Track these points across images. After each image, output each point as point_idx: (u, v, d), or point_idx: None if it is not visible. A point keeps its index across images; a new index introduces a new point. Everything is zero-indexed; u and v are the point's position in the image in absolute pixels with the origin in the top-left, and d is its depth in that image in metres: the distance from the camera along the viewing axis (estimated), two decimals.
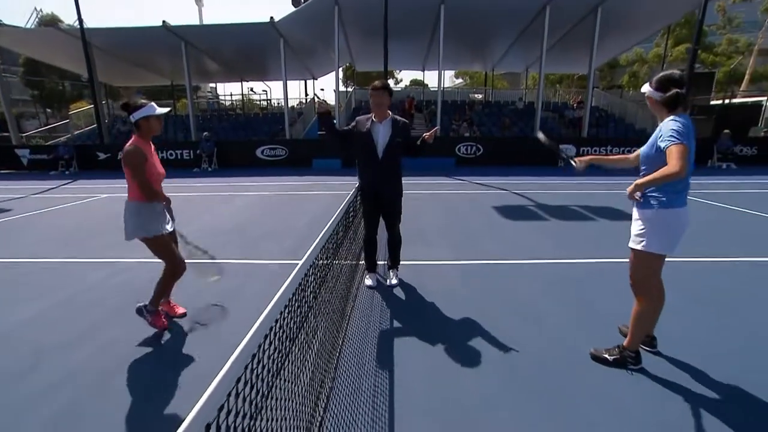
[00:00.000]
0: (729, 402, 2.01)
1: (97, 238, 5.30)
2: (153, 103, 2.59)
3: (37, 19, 32.50)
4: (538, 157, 14.34)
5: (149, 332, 2.75)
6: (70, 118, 20.67)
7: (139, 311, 2.76)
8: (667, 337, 2.49)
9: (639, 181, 2.09)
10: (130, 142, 2.57)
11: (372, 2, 13.20)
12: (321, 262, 1.93)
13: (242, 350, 0.92)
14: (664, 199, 2.06)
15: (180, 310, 3.06)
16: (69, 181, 12.01)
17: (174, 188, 10.01)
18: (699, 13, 13.75)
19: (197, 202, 8.11)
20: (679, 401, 2.02)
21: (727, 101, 20.72)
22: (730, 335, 2.64)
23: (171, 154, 14.90)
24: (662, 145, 1.97)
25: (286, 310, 1.24)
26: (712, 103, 21.45)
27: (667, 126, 1.99)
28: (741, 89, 26.51)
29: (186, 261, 2.84)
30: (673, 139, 1.93)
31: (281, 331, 1.21)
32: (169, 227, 2.75)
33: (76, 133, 19.68)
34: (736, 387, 2.11)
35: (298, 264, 1.48)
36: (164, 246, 2.69)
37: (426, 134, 3.09)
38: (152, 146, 2.73)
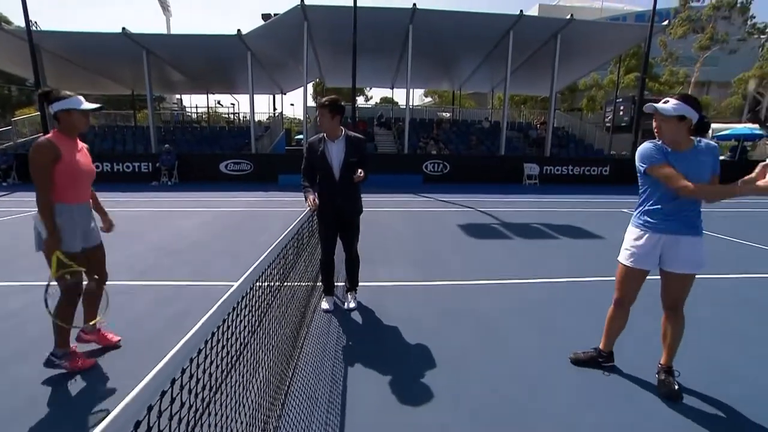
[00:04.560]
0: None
1: (27, 257, 4.74)
2: (79, 96, 2.29)
3: None
4: (503, 175, 14.77)
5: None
6: (13, 124, 19.14)
7: (48, 362, 2.33)
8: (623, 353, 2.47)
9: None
10: (48, 135, 2.24)
11: (341, 19, 13.30)
12: (263, 289, 1.74)
13: (134, 398, 0.72)
14: (639, 219, 2.21)
15: (114, 338, 2.71)
16: (5, 193, 11.01)
17: (129, 203, 9.38)
18: (645, 46, 14.93)
19: (152, 217, 7.60)
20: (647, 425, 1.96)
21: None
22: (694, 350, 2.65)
23: (128, 167, 14.09)
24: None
25: (202, 355, 1.05)
26: None
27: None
28: None
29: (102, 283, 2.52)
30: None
31: (192, 380, 1.01)
32: (81, 243, 2.35)
33: (18, 141, 18.23)
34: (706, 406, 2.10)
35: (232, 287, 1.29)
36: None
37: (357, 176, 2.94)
38: (79, 143, 2.40)
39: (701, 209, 2.13)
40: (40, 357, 2.47)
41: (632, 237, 2.24)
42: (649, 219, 2.16)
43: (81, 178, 2.34)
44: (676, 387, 2.20)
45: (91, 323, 2.58)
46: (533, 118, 24.93)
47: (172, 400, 0.89)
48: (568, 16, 14.64)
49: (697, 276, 2.15)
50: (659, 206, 2.12)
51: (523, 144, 19.64)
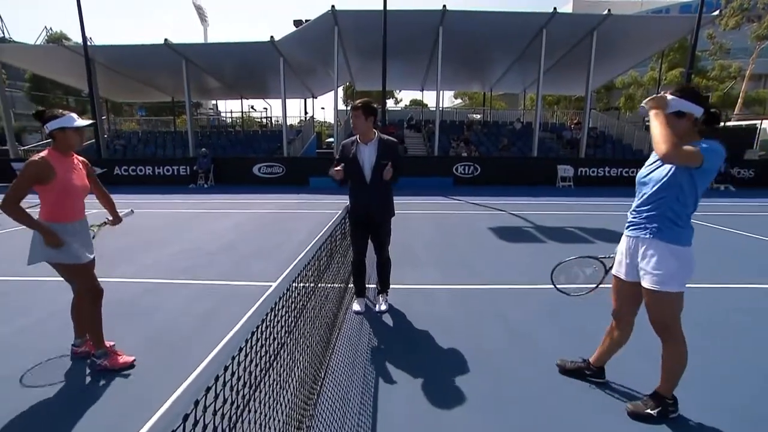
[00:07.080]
0: None
1: None
2: (73, 114, 2.31)
3: (46, 37, 33.21)
4: (536, 178, 14.35)
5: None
6: None
7: (93, 364, 2.45)
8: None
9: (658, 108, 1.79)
10: (43, 152, 2.27)
11: (371, 24, 13.43)
12: (299, 290, 1.78)
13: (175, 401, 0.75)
14: (688, 236, 1.89)
15: (128, 359, 2.65)
16: None
17: (168, 204, 9.89)
18: (691, 39, 14.04)
19: (189, 218, 7.97)
20: None
21: (722, 124, 20.95)
22: (738, 366, 2.46)
23: (167, 170, 14.83)
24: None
25: (242, 353, 1.08)
26: None
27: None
28: (735, 113, 26.92)
29: None
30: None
31: (234, 377, 1.04)
32: (89, 254, 2.43)
33: None
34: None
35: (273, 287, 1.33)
36: (84, 272, 2.38)
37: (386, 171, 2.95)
38: (76, 159, 2.43)
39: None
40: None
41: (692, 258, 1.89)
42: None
43: (75, 195, 2.37)
44: (649, 411, 1.97)
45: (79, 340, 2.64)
46: (567, 118, 24.08)
47: (216, 396, 0.92)
48: (605, 12, 14.06)
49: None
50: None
51: (556, 145, 19.00)
